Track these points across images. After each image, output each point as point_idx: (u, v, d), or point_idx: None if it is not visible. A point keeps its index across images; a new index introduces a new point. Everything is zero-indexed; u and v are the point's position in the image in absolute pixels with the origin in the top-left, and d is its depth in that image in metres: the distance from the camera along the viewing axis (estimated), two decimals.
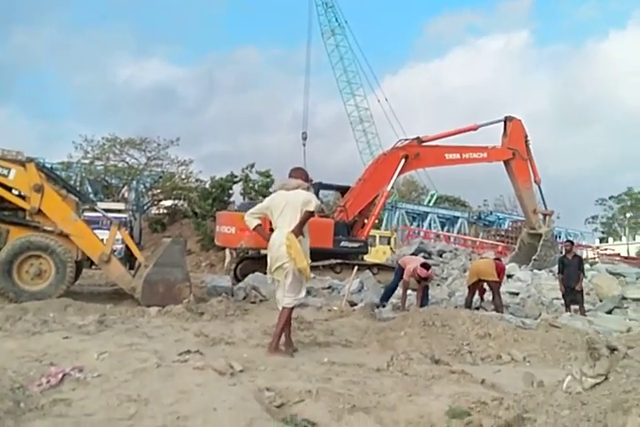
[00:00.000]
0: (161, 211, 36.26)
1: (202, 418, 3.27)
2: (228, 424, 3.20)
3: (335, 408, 3.64)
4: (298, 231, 5.47)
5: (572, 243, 13.16)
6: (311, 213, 5.57)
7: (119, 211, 17.72)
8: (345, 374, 4.60)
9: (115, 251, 8.84)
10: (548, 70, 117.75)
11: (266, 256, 15.03)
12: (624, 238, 64.73)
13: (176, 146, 36.45)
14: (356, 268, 10.15)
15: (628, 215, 70.89)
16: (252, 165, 32.22)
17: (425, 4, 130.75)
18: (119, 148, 35.57)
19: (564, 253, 13.07)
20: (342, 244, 14.96)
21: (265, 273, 12.26)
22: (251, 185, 31.49)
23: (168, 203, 35.98)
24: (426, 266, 10.05)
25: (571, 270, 11.63)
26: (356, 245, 15.36)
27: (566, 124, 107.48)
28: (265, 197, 25.15)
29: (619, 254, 42.16)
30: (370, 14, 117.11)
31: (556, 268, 17.12)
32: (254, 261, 15.18)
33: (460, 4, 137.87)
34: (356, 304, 9.25)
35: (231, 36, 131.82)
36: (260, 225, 5.75)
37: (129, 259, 11.87)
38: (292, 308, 5.63)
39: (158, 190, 36.14)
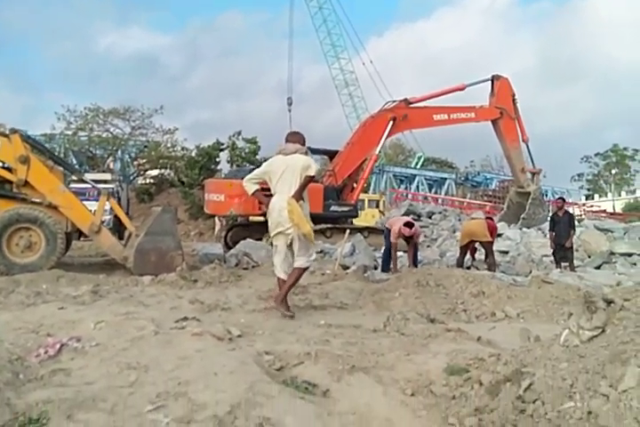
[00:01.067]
0: (147, 181, 35.98)
1: (203, 383, 3.27)
2: (229, 388, 3.21)
3: (335, 369, 3.66)
4: (298, 196, 5.48)
5: (563, 200, 13.22)
6: (312, 178, 5.57)
7: (105, 182, 17.53)
8: (342, 336, 4.62)
9: (103, 221, 8.76)
10: (533, 28, 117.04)
11: (256, 223, 15.06)
12: (610, 195, 65.29)
13: (160, 114, 36.05)
14: (348, 231, 10.15)
15: (613, 172, 71.39)
16: (239, 133, 31.96)
17: None
18: (102, 118, 35.11)
19: (555, 210, 13.12)
20: (332, 208, 14.93)
21: (257, 239, 12.48)
22: (237, 152, 31.23)
23: (154, 172, 35.69)
24: (409, 225, 10.07)
25: (561, 228, 11.72)
26: (345, 209, 15.34)
27: (553, 82, 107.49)
28: (252, 164, 24.91)
29: (605, 211, 42.58)
30: None
31: (544, 225, 17.30)
32: (244, 227, 15.16)
33: None
34: (348, 267, 9.28)
35: (215, 1, 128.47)
36: (258, 190, 5.71)
37: (118, 229, 11.81)
38: (306, 268, 5.72)
39: (144, 160, 35.81)
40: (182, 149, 34.93)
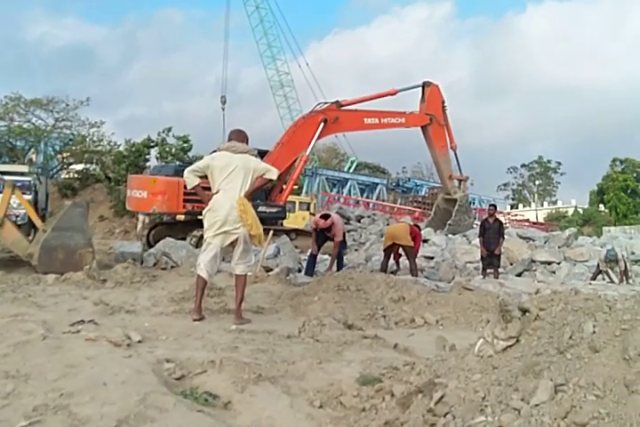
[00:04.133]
0: (71, 175, 34.48)
1: (89, 394, 2.95)
2: (118, 400, 2.90)
3: (240, 379, 3.42)
4: (249, 197, 5.37)
5: (495, 207, 13.39)
6: (270, 181, 5.56)
7: (22, 173, 16.57)
8: (253, 342, 4.37)
9: (17, 216, 8.17)
10: (468, 41, 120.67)
11: (181, 222, 14.54)
12: (533, 205, 67.84)
13: (86, 106, 34.69)
14: (271, 233, 9.86)
15: (537, 183, 74.22)
16: (169, 129, 31.04)
17: None
18: (24, 107, 33.40)
19: (485, 216, 13.29)
20: (260, 209, 14.60)
21: (180, 238, 12.04)
22: (167, 149, 30.37)
23: (79, 167, 34.25)
24: (324, 216, 9.93)
25: (491, 234, 11.85)
26: (273, 210, 15.05)
27: (484, 94, 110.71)
28: (182, 161, 24.19)
29: (528, 220, 44.07)
30: None
31: (469, 232, 17.60)
32: (168, 226, 14.66)
33: None
34: (271, 269, 9.03)
35: None
36: (198, 185, 5.45)
37: (34, 225, 11.12)
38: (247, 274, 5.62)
39: (68, 153, 34.29)
40: (110, 143, 33.71)
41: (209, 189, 5.50)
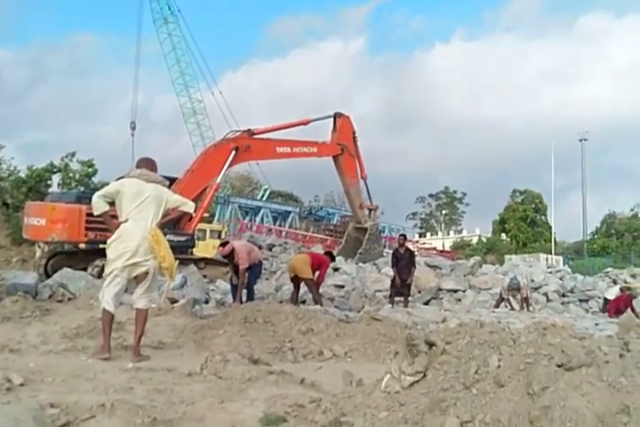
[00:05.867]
0: None
1: None
2: None
3: (132, 424, 3.15)
4: (162, 228, 5.20)
5: (405, 237, 13.59)
6: (185, 214, 5.45)
7: None
8: (151, 382, 4.08)
9: None
10: (380, 76, 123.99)
11: (83, 251, 13.86)
12: (440, 233, 70.15)
13: None
14: (176, 262, 9.50)
15: (443, 212, 76.99)
16: (73, 154, 29.80)
17: (268, 4, 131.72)
18: None
19: (396, 246, 13.46)
20: (167, 237, 14.12)
21: (81, 269, 11.40)
22: (71, 175, 29.10)
23: None
24: (223, 244, 10.08)
25: (403, 264, 11.98)
26: (182, 238, 14.63)
27: (395, 127, 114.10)
28: (87, 187, 23.25)
29: (435, 248, 45.34)
30: (214, 11, 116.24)
31: (379, 261, 17.83)
32: (69, 255, 13.88)
33: (302, 8, 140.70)
34: (176, 301, 8.65)
35: (65, 19, 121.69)
36: (107, 212, 5.12)
37: None
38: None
39: None
40: (9, 168, 31.90)
41: (116, 217, 5.22)
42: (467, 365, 2.84)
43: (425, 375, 3.01)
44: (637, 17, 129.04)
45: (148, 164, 5.43)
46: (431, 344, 3.06)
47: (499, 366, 2.74)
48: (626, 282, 19.94)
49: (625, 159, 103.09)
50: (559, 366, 2.62)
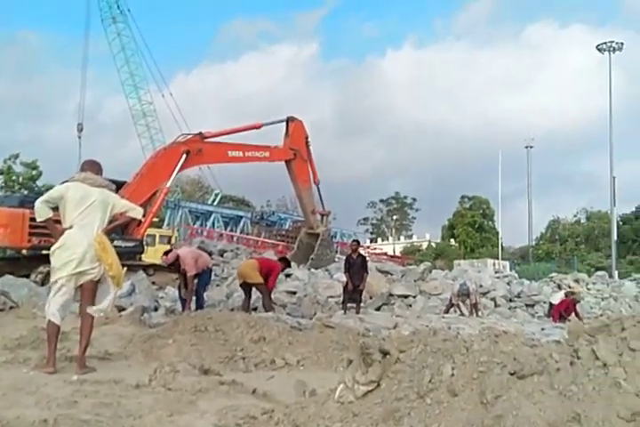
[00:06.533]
0: None
1: None
2: None
3: None
4: (108, 234, 5.02)
5: (358, 243, 13.62)
6: (133, 220, 5.34)
7: None
8: (96, 395, 3.93)
9: None
10: (332, 81, 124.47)
11: (25, 257, 13.41)
12: (391, 239, 70.88)
13: None
14: (124, 269, 9.27)
15: (394, 217, 77.88)
16: (17, 156, 28.98)
17: (221, 7, 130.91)
18: None
19: (349, 252, 13.47)
20: (115, 243, 13.79)
21: (23, 275, 11.00)
22: (14, 178, 28.22)
23: None
24: (167, 252, 10.03)
25: (355, 269, 12.00)
26: (130, 244, 14.32)
27: (346, 132, 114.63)
28: (31, 190, 22.61)
29: (386, 253, 45.71)
30: (167, 12, 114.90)
31: (331, 266, 17.84)
32: (11, 261, 13.43)
33: (256, 11, 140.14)
34: (124, 309, 8.43)
35: (7, 17, 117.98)
36: (50, 218, 4.92)
37: None
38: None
39: None
40: None
41: (60, 222, 5.03)
42: (420, 374, 2.83)
43: (379, 385, 2.98)
44: (581, 27, 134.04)
45: (93, 167, 5.25)
46: (385, 353, 3.04)
47: (452, 375, 2.73)
48: (570, 287, 20.50)
49: (569, 166, 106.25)
50: (511, 374, 2.64)
